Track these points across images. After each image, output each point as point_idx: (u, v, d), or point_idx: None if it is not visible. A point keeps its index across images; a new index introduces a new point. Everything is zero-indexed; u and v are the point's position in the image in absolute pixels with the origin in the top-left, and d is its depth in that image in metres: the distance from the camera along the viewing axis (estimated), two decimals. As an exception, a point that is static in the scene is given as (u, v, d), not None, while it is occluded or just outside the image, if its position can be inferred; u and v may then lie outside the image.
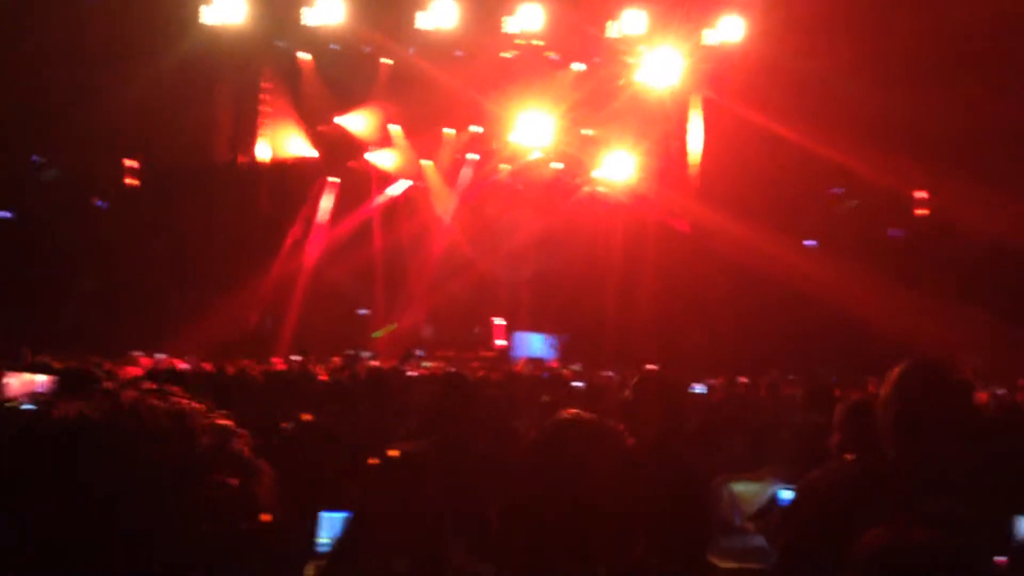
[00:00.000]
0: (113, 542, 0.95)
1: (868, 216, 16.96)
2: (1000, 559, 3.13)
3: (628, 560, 2.05)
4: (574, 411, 2.10)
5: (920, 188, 15.22)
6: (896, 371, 3.04)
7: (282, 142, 17.50)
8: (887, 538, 2.14)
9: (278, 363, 11.03)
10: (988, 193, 13.43)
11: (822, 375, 9.12)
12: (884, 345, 10.33)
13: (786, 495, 4.22)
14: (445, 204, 18.61)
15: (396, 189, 18.88)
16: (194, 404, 1.12)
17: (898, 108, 13.64)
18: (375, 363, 10.85)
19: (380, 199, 18.77)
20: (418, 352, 13.90)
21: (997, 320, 12.84)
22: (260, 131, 17.20)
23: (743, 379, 9.05)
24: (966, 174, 13.70)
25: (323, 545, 3.70)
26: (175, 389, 1.14)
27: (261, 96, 16.96)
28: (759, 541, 4.44)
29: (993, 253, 13.90)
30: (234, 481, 1.08)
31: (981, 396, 7.28)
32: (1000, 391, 8.21)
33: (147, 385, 1.15)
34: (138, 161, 16.78)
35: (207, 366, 9.02)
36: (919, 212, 15.75)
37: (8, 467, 0.97)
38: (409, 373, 9.46)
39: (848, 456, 3.61)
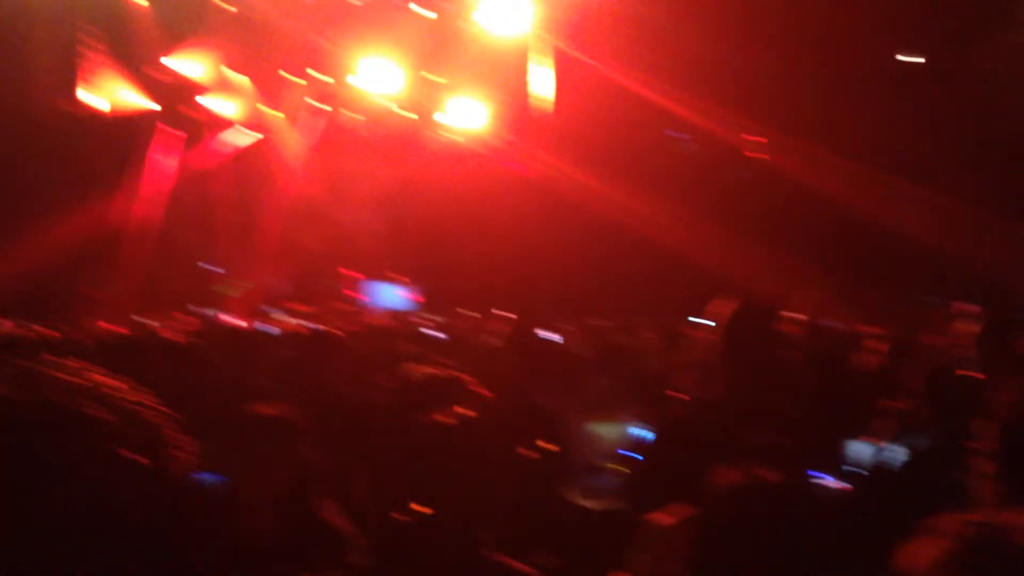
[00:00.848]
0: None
1: (706, 162, 17.72)
2: (833, 482, 3.44)
3: (496, 506, 2.15)
4: (428, 369, 2.18)
5: (753, 137, 16.02)
6: (724, 310, 3.26)
7: (109, 89, 16.44)
8: (730, 477, 2.33)
9: (110, 327, 10.48)
10: (817, 149, 14.40)
11: (671, 319, 9.55)
12: (722, 287, 10.90)
13: (643, 435, 4.46)
14: (292, 153, 18.08)
15: (238, 137, 18.15)
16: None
17: (735, 60, 14.27)
18: (230, 320, 10.54)
19: (221, 147, 18.02)
20: (271, 310, 13.61)
21: (829, 267, 13.82)
22: (84, 77, 16.08)
23: (597, 321, 9.37)
24: (797, 130, 14.60)
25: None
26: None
27: (84, 38, 15.83)
28: (615, 480, 4.68)
29: (822, 206, 14.90)
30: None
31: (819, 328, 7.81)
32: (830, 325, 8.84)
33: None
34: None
35: (43, 330, 8.52)
36: (751, 158, 16.59)
37: None
38: (265, 329, 9.27)
39: (684, 396, 3.84)
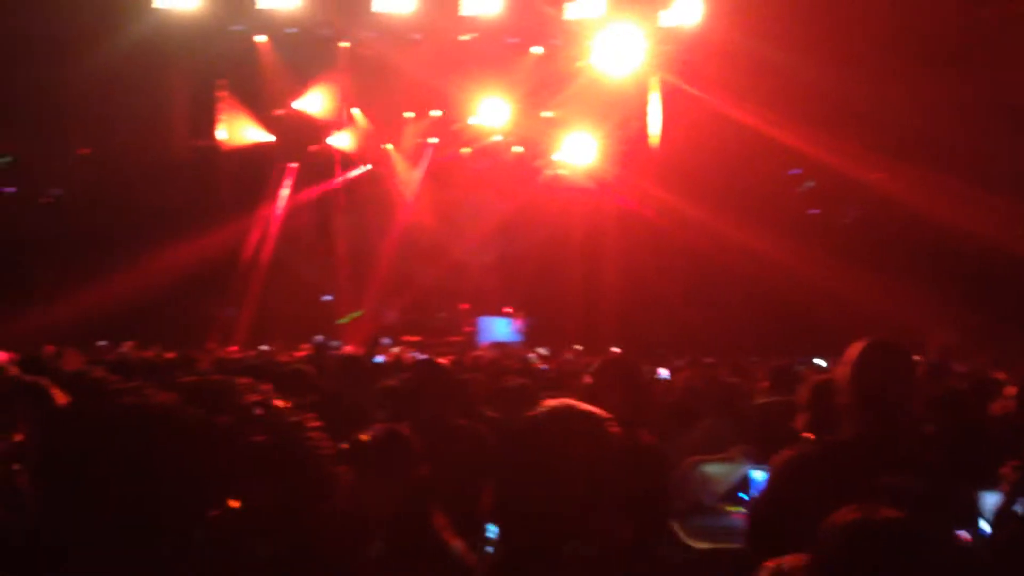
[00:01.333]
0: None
1: (824, 198, 17.23)
2: (964, 534, 3.24)
3: (617, 541, 2.11)
4: (563, 400, 2.16)
5: (875, 171, 15.47)
6: (854, 350, 3.13)
7: (240, 128, 17.28)
8: (854, 516, 2.21)
9: (234, 351, 10.92)
10: (942, 179, 13.75)
11: (784, 356, 9.29)
12: (843, 326, 10.54)
13: (757, 475, 4.33)
14: (408, 188, 18.55)
15: (358, 173, 18.76)
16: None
17: (853, 93, 13.86)
18: (346, 349, 10.82)
19: (341, 183, 18.63)
20: (384, 340, 13.89)
21: (957, 303, 13.16)
22: (217, 117, 16.96)
23: (709, 360, 9.19)
24: (920, 160, 13.99)
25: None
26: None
27: (217, 81, 16.71)
28: (731, 521, 4.55)
29: (949, 238, 14.21)
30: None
31: (947, 371, 7.46)
32: (965, 368, 8.43)
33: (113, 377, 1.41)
34: (91, 150, 16.45)
35: (169, 355, 8.94)
36: (873, 195, 16.01)
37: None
38: (377, 359, 9.46)
39: (810, 436, 3.70)
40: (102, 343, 10.59)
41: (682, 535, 4.28)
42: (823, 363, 9.53)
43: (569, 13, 15.19)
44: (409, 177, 18.56)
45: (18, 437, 3.36)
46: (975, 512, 4.00)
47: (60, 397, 3.79)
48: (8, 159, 16.18)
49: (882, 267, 14.25)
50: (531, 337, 16.80)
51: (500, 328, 17.76)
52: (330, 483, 1.31)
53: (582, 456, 2.01)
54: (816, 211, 17.60)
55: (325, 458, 1.32)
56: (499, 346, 13.63)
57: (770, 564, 2.37)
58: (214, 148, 17.02)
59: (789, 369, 6.51)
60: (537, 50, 16.39)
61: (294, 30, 15.95)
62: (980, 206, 13.57)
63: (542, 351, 12.89)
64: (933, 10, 13.25)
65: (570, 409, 2.12)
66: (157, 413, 1.24)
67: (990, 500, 5.04)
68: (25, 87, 13.56)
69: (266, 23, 15.73)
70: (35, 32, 13.28)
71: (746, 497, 4.55)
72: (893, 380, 3.06)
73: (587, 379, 3.95)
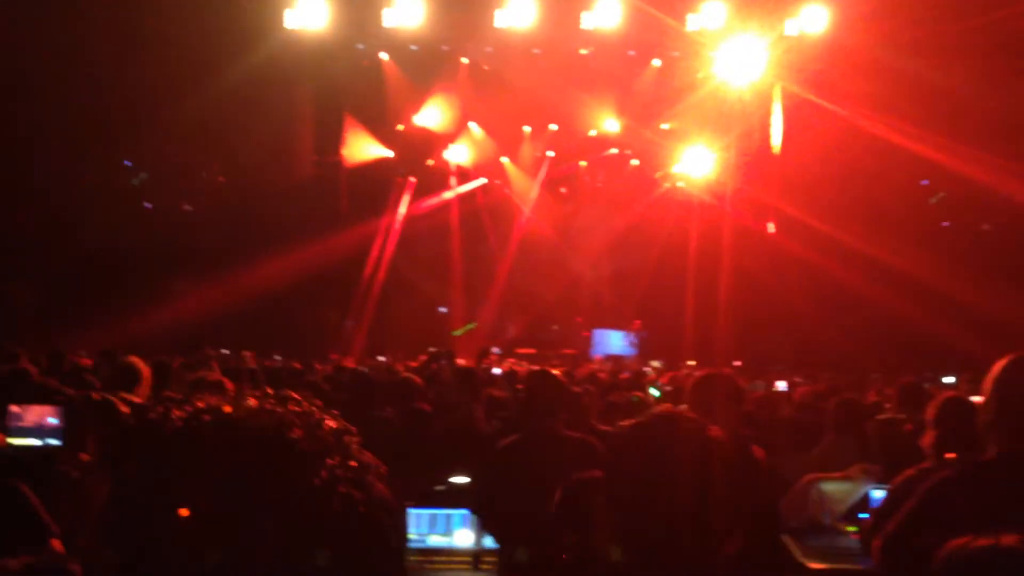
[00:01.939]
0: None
1: (956, 209, 16.43)
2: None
3: (724, 551, 2.07)
4: (670, 406, 2.14)
5: (1009, 181, 14.63)
6: (997, 366, 2.95)
7: (361, 144, 17.81)
8: (977, 543, 2.09)
9: (349, 362, 11.16)
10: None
11: (910, 374, 8.89)
12: (974, 343, 10.01)
13: (878, 494, 4.15)
14: (525, 201, 18.71)
15: (475, 186, 19.05)
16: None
17: (986, 100, 13.17)
18: (460, 361, 10.97)
19: (458, 196, 18.95)
20: (495, 350, 14.01)
21: None
22: (341, 134, 17.52)
23: (828, 375, 8.89)
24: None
25: (414, 541, 3.78)
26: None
27: (341, 99, 17.27)
28: (850, 541, 4.38)
29: None
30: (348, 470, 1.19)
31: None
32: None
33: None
34: (222, 167, 17.28)
35: (296, 364, 9.28)
36: (1007, 206, 15.14)
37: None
38: (495, 371, 9.55)
39: (949, 455, 3.52)
40: (224, 351, 11.06)
41: (797, 554, 4.15)
42: (951, 380, 9.08)
43: (690, 24, 15.01)
44: (526, 190, 18.72)
45: (84, 456, 3.46)
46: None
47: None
48: (144, 176, 17.17)
49: (1018, 280, 13.46)
50: (646, 350, 16.63)
51: (614, 341, 17.66)
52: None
53: (689, 460, 1.99)
54: (947, 223, 16.79)
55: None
56: (613, 359, 13.56)
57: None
58: (337, 164, 17.60)
59: (917, 386, 6.23)
60: (656, 62, 16.27)
61: (416, 47, 16.33)
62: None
63: (656, 364, 12.74)
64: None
65: (676, 414, 2.10)
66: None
67: None
68: (161, 107, 14.33)
69: (389, 41, 16.16)
70: (171, 55, 14.02)
71: (866, 517, 4.37)
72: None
73: (686, 398, 3.90)
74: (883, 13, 13.20)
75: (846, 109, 14.45)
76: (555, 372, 4.60)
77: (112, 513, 1.19)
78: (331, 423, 1.28)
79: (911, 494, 2.98)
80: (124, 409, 3.97)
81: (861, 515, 4.40)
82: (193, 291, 14.63)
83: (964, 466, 3.03)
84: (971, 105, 13.47)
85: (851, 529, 4.41)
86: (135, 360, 5.21)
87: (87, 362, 7.91)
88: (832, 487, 4.57)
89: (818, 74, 14.86)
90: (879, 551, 3.06)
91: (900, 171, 15.48)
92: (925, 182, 16.83)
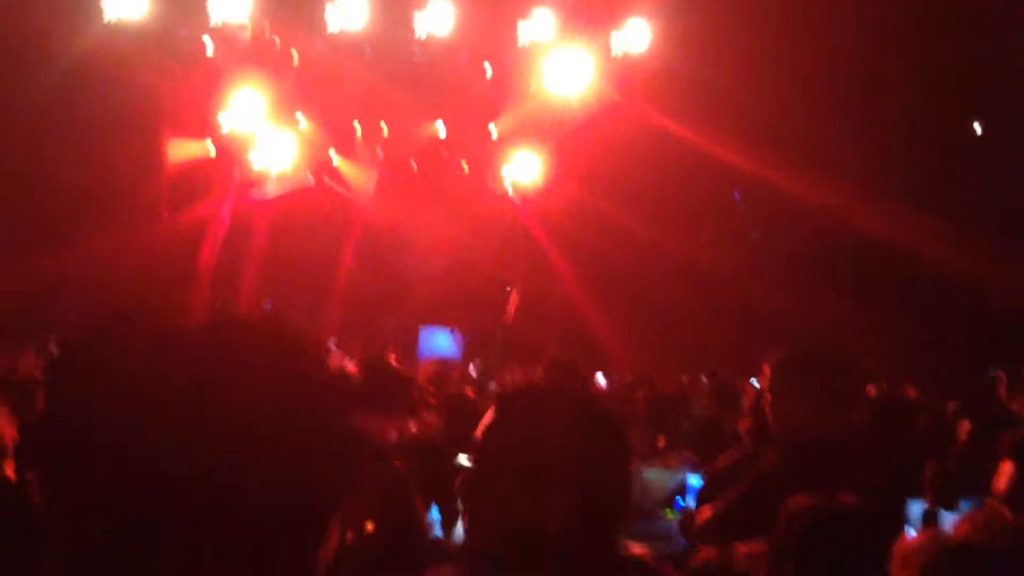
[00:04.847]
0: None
1: (761, 217, 17.75)
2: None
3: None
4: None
5: (815, 195, 16.01)
6: (768, 363, 3.30)
7: (185, 141, 17.17)
8: (815, 503, 2.31)
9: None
10: (880, 201, 14.36)
11: (721, 369, 9.59)
12: (776, 339, 10.92)
13: (694, 481, 4.54)
14: (355, 198, 18.57)
15: (303, 182, 18.67)
16: None
17: (793, 119, 14.40)
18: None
19: (286, 192, 18.50)
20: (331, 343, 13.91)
21: (892, 320, 13.69)
22: (163, 132, 16.81)
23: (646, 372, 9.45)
24: (856, 184, 14.60)
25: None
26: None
27: (165, 91, 16.53)
28: (668, 525, 4.75)
29: (884, 257, 14.80)
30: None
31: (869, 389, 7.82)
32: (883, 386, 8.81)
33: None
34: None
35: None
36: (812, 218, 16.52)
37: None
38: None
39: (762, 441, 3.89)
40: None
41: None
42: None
43: (521, 33, 15.45)
44: (356, 187, 18.58)
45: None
46: (902, 520, 4.25)
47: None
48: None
49: (803, 285, 14.79)
50: (469, 350, 16.96)
51: (440, 341, 17.82)
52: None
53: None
54: (752, 229, 18.14)
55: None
56: (439, 361, 13.71)
57: (719, 550, 2.50)
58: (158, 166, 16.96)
59: (729, 382, 6.78)
60: (487, 69, 16.63)
61: (242, 39, 15.89)
62: (924, 228, 14.21)
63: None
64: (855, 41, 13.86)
65: (531, 387, 2.21)
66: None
67: (915, 508, 5.36)
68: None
69: (217, 34, 15.67)
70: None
71: (682, 503, 4.76)
72: (809, 391, 3.21)
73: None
74: (702, 33, 14.17)
75: (668, 120, 15.37)
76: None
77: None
78: None
79: (731, 478, 3.30)
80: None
81: (679, 500, 4.79)
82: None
83: (781, 450, 3.36)
84: (778, 124, 14.66)
85: (670, 513, 4.79)
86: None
87: None
88: (652, 474, 4.93)
89: (639, 85, 15.71)
90: (699, 532, 3.37)
91: (710, 178, 16.58)
92: (736, 192, 18.07)
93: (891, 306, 14.13)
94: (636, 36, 15.27)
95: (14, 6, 13.15)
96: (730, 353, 12.62)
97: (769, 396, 3.28)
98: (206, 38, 16.08)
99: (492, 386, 9.65)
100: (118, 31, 14.50)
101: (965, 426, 6.12)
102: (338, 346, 13.97)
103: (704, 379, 9.28)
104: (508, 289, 17.14)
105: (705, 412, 5.83)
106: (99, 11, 14.37)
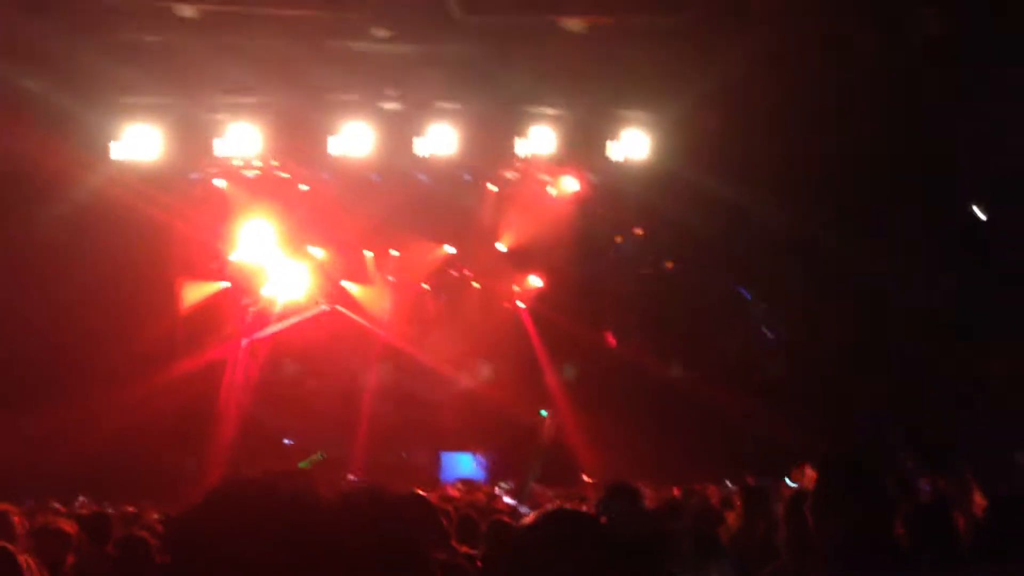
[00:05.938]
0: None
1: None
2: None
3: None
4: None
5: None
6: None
7: (199, 279, 17.36)
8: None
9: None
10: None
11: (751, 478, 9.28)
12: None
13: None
14: (370, 325, 18.54)
15: (320, 313, 18.69)
16: None
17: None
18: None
19: (302, 323, 18.52)
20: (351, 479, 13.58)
21: None
22: (177, 263, 16.99)
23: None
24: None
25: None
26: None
27: (176, 228, 16.75)
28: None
29: None
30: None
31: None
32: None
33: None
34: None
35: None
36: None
37: None
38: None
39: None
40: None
41: None
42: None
43: (520, 149, 15.61)
44: (371, 315, 18.60)
45: None
46: None
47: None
48: None
49: None
50: (495, 472, 16.58)
51: (464, 464, 17.47)
52: None
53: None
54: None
55: None
56: (466, 483, 13.39)
57: None
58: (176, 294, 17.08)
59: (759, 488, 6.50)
60: (492, 187, 16.88)
61: (252, 174, 16.17)
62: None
63: (505, 485, 12.72)
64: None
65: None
66: None
67: None
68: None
69: (226, 169, 15.99)
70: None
71: None
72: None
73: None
74: (704, 143, 14.39)
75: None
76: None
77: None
78: None
79: None
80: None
81: None
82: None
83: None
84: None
85: None
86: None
87: None
88: None
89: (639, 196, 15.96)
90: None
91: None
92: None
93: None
94: (635, 145, 15.41)
95: (24, 145, 13.27)
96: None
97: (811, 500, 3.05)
98: (216, 180, 16.40)
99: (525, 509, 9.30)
100: (127, 171, 14.66)
101: None
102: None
103: (729, 484, 8.95)
104: (544, 413, 16.91)
105: (737, 522, 5.54)
106: (107, 151, 14.53)
